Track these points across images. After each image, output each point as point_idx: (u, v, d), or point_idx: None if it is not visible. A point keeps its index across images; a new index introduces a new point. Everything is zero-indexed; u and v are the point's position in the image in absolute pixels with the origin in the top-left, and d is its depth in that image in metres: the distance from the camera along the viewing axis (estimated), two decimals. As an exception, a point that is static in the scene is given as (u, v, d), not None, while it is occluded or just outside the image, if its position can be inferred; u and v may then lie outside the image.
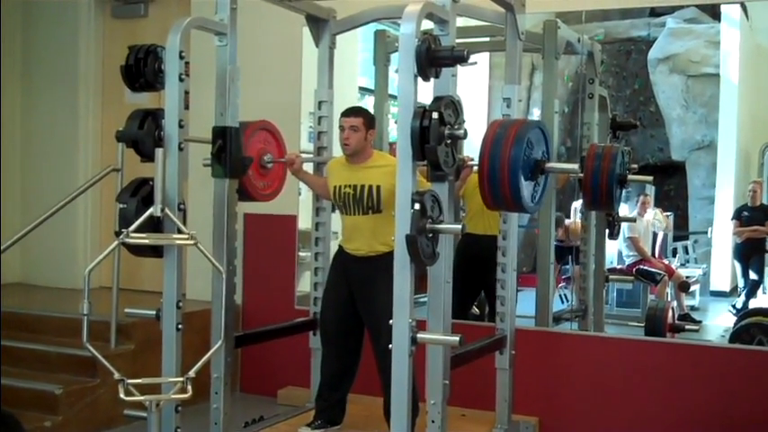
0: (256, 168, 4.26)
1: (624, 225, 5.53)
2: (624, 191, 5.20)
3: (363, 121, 4.05)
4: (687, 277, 5.66)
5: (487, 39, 5.47)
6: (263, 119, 4.39)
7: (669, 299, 5.47)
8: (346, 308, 4.18)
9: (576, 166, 4.01)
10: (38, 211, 4.73)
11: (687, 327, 5.06)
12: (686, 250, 5.88)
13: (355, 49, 6.00)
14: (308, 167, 4.56)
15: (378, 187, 4.01)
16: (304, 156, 4.50)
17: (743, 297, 5.39)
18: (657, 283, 5.58)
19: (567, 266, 5.55)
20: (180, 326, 3.42)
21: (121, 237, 3.16)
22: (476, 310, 5.36)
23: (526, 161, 3.36)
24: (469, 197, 4.87)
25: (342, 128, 4.08)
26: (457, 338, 3.00)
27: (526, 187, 3.41)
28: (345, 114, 4.10)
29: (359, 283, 4.11)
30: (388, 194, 3.91)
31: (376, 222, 4.03)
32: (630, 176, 4.55)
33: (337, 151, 4.37)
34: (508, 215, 4.03)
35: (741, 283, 5.47)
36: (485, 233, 4.70)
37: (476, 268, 4.88)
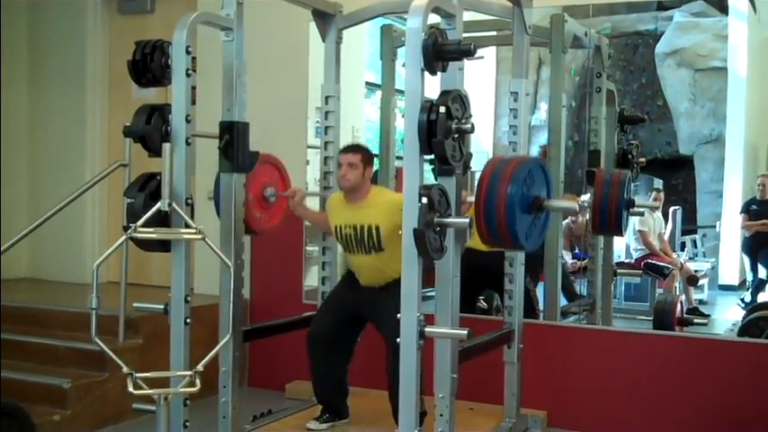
0: (258, 201, 4.24)
1: (635, 218, 5.53)
2: (633, 184, 5.24)
3: (362, 157, 4.05)
4: (695, 271, 5.65)
5: (494, 33, 5.47)
6: (269, 153, 4.37)
7: (677, 293, 5.46)
8: (346, 317, 4.21)
9: (575, 206, 4.04)
10: (46, 206, 4.75)
11: (695, 320, 5.06)
12: (695, 244, 5.87)
13: (362, 43, 6.00)
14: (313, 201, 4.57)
15: (377, 227, 4.02)
16: (307, 191, 4.48)
17: (751, 291, 5.39)
18: (666, 277, 5.57)
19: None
20: (188, 320, 3.43)
21: (129, 231, 3.17)
22: (483, 304, 5.35)
23: (524, 198, 3.32)
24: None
25: (340, 164, 4.08)
26: (465, 332, 3.00)
27: (524, 225, 3.37)
28: (344, 151, 4.12)
29: (369, 304, 4.12)
30: (389, 233, 3.93)
31: (380, 260, 4.05)
32: (639, 203, 4.80)
33: (344, 143, 4.37)
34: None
35: (749, 276, 5.46)
36: (491, 249, 4.69)
37: (482, 280, 4.86)
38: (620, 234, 4.94)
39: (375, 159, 4.26)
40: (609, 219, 4.64)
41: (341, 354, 4.26)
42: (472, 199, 3.35)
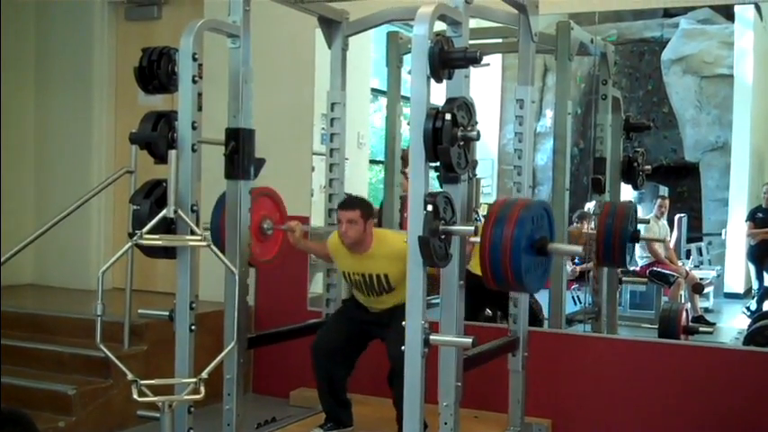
0: (256, 234, 4.21)
1: (641, 226, 5.51)
2: (638, 192, 5.23)
3: (361, 213, 4.02)
4: (701, 279, 5.63)
5: (500, 40, 5.46)
6: (266, 186, 4.33)
7: (683, 301, 5.44)
8: (353, 332, 4.23)
9: (579, 249, 4.01)
10: (52, 212, 4.75)
11: (701, 329, 5.04)
12: (700, 252, 5.85)
13: (368, 50, 6.01)
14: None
15: (386, 275, 4.06)
16: (306, 226, 4.46)
17: (757, 299, 5.37)
18: (671, 285, 5.56)
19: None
20: (193, 327, 3.43)
21: (135, 238, 3.17)
22: (488, 311, 5.35)
23: (528, 241, 3.28)
24: None
25: (339, 221, 4.06)
26: (470, 340, 3.00)
27: (529, 267, 3.33)
28: (342, 207, 4.09)
29: (377, 323, 4.16)
30: (398, 278, 3.96)
31: (390, 296, 4.11)
32: (643, 235, 4.98)
33: (350, 152, 4.36)
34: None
35: (755, 285, 5.45)
36: None
37: (481, 300, 4.89)
38: (624, 266, 5.08)
39: (374, 211, 4.24)
40: (613, 251, 4.78)
41: (343, 366, 4.27)
42: (476, 239, 3.32)
